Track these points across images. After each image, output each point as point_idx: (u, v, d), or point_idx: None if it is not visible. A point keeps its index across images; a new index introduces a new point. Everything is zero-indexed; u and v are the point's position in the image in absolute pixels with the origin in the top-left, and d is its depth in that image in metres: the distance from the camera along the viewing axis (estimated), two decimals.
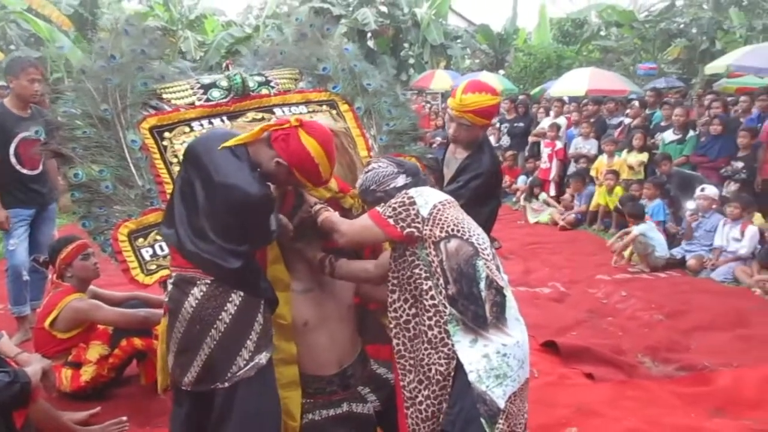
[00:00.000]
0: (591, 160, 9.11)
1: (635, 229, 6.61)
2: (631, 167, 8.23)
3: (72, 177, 2.93)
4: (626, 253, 6.72)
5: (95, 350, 3.53)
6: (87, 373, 3.47)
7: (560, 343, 4.27)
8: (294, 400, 2.54)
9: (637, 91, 12.83)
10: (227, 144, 2.24)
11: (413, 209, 2.28)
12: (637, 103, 9.39)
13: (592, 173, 8.84)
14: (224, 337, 2.25)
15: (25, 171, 4.35)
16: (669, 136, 8.19)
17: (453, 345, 2.21)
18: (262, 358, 2.31)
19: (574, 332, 4.68)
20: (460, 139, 3.07)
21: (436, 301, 2.24)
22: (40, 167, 4.43)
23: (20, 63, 4.44)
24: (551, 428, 3.13)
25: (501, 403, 2.15)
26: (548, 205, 9.38)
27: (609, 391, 3.70)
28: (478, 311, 2.20)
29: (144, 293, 3.80)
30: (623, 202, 7.38)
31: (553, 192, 9.61)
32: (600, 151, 9.05)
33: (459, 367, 2.20)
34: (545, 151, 9.90)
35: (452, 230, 2.26)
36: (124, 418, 3.22)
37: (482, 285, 2.22)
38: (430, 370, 2.26)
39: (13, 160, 4.29)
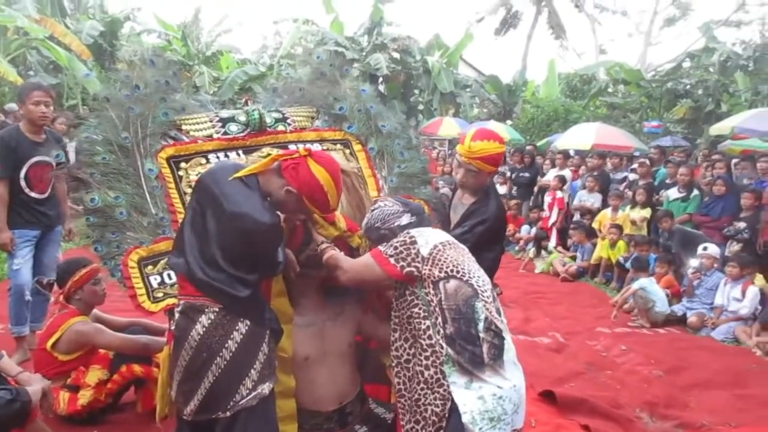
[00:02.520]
0: (594, 213, 9.18)
1: (635, 284, 6.63)
2: (633, 222, 8.28)
3: (89, 202, 3.01)
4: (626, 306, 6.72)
5: (94, 374, 3.53)
6: (84, 397, 3.46)
7: (558, 394, 4.24)
8: None
9: (641, 149, 12.97)
10: (238, 174, 2.31)
11: (414, 248, 2.32)
12: (647, 161, 9.50)
13: (595, 226, 8.90)
14: (229, 365, 2.28)
15: (33, 194, 4.40)
16: (673, 193, 8.27)
17: (448, 386, 2.22)
18: (265, 388, 2.33)
19: (572, 383, 4.66)
20: (468, 185, 3.13)
21: (433, 341, 2.26)
22: (48, 191, 4.48)
23: (26, 88, 4.54)
24: None
25: None
26: (553, 250, 9.41)
27: None
28: (475, 351, 2.22)
29: (146, 320, 3.82)
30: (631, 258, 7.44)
31: (553, 241, 9.66)
32: (604, 205, 9.13)
33: (454, 408, 2.21)
34: (546, 200, 9.99)
35: (451, 271, 2.30)
36: None
37: (480, 326, 2.24)
38: (426, 410, 2.27)
39: (22, 183, 4.35)
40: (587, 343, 5.76)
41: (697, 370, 5.08)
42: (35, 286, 4.50)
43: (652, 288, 6.55)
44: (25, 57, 16.08)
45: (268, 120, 3.37)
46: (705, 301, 6.58)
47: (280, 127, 3.41)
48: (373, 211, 2.62)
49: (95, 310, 3.85)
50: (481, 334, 2.23)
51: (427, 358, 2.27)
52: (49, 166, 4.32)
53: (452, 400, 2.21)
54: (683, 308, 6.67)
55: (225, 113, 3.38)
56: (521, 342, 5.65)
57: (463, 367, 2.22)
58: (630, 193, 8.82)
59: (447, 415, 2.23)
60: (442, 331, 2.24)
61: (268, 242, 2.29)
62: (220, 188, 2.28)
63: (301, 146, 3.37)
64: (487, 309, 2.28)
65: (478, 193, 3.13)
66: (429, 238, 2.37)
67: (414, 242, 2.34)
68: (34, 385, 2.82)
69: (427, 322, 2.28)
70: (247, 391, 2.30)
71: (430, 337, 2.26)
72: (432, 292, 2.28)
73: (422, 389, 2.29)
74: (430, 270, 2.29)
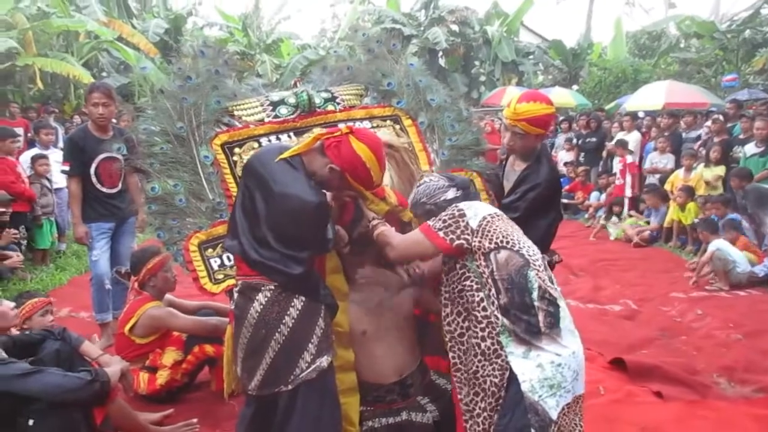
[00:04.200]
0: (667, 175, 8.83)
1: (711, 245, 6.35)
2: (708, 182, 7.92)
3: (149, 191, 3.13)
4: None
5: (170, 356, 3.72)
6: (162, 377, 3.66)
7: (628, 361, 4.14)
8: (353, 406, 2.61)
9: (718, 104, 12.33)
10: (283, 156, 2.36)
11: (463, 221, 2.31)
12: (721, 117, 9.01)
13: (668, 188, 8.56)
14: (287, 340, 2.36)
15: (104, 189, 4.63)
16: (751, 149, 7.83)
17: (506, 356, 2.21)
18: (324, 361, 2.40)
19: (645, 350, 4.54)
20: (515, 148, 3.08)
21: (488, 312, 2.25)
22: (119, 185, 4.71)
23: (88, 89, 4.77)
24: None
25: (553, 414, 2.14)
26: (629, 217, 9.12)
27: (678, 411, 3.56)
28: (531, 321, 2.20)
29: (215, 303, 3.99)
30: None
31: (626, 209, 9.36)
32: (677, 166, 8.77)
33: (512, 377, 2.20)
34: (617, 167, 9.67)
35: (501, 241, 2.28)
36: (195, 421, 3.37)
37: (535, 295, 2.22)
38: (485, 381, 2.28)
39: (93, 179, 4.59)
40: (661, 309, 5.58)
41: None
42: (114, 276, 4.75)
43: (727, 248, 6.26)
44: (97, 59, 16.83)
45: (317, 100, 3.39)
46: None
47: (330, 107, 3.43)
48: (418, 186, 2.62)
49: (168, 295, 4.04)
50: (536, 303, 2.21)
51: (483, 329, 2.27)
52: (117, 161, 4.53)
53: (510, 370, 2.20)
54: (765, 269, 6.34)
55: (275, 96, 3.42)
56: (590, 310, 5.56)
57: (519, 337, 2.20)
58: (704, 152, 8.43)
59: (506, 384, 2.22)
60: (496, 302, 2.24)
61: (316, 221, 2.33)
62: (267, 170, 2.34)
63: (351, 124, 3.42)
64: (540, 278, 2.25)
65: (528, 159, 3.07)
66: (477, 211, 2.35)
67: (463, 215, 2.33)
68: (113, 366, 3.01)
69: (481, 294, 2.27)
70: (306, 365, 2.37)
71: (484, 309, 2.26)
72: (483, 263, 2.27)
73: (479, 361, 2.29)
74: (480, 242, 2.28)
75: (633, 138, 9.83)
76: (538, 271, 2.27)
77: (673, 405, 3.67)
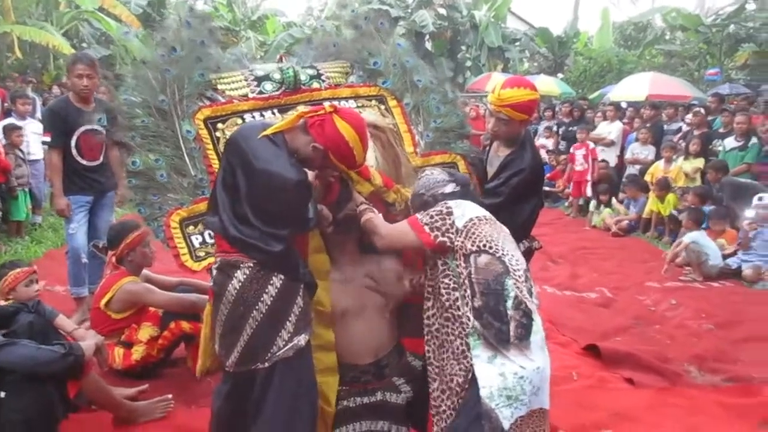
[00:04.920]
0: (648, 166, 8.91)
1: (687, 237, 6.45)
2: (687, 174, 8.01)
3: (130, 165, 3.08)
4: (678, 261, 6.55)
5: (146, 331, 3.70)
6: (137, 353, 3.64)
7: (602, 347, 4.21)
8: (331, 386, 2.61)
9: (700, 98, 12.46)
10: (266, 132, 2.34)
11: (449, 219, 2.32)
12: (702, 110, 9.09)
13: (648, 179, 8.65)
14: (265, 318, 2.35)
15: (84, 162, 4.57)
16: (730, 143, 7.94)
17: (471, 358, 2.23)
18: (301, 339, 2.39)
19: (619, 338, 4.61)
20: (500, 134, 3.07)
21: (460, 312, 2.27)
22: (101, 159, 4.64)
23: (70, 60, 4.68)
24: (587, 430, 3.11)
25: (506, 424, 2.15)
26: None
27: (649, 398, 3.64)
28: (502, 328, 2.21)
29: (193, 279, 3.95)
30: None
31: (589, 193, 9.46)
32: (657, 157, 8.86)
33: (474, 381, 2.22)
34: (579, 153, 9.72)
35: (484, 245, 2.29)
36: (170, 396, 3.35)
37: (509, 303, 2.23)
38: (451, 380, 2.30)
39: (74, 151, 4.52)
40: (636, 298, 5.67)
41: (750, 323, 4.95)
42: (91, 250, 4.70)
43: (704, 241, 6.37)
44: (77, 29, 16.50)
45: (302, 77, 3.34)
46: (761, 253, 6.35)
47: (315, 85, 3.39)
48: (419, 179, 2.63)
49: (145, 271, 4.00)
50: (510, 312, 2.22)
51: (454, 329, 2.29)
52: (98, 134, 4.46)
53: (473, 373, 2.22)
54: (738, 261, 6.46)
55: (259, 71, 3.37)
56: (567, 298, 5.63)
57: (488, 342, 2.22)
58: (684, 144, 8.52)
59: (468, 386, 2.25)
60: (470, 304, 2.25)
61: (296, 199, 2.32)
62: (249, 147, 2.32)
63: (335, 103, 3.39)
64: (518, 288, 2.25)
65: (512, 144, 3.07)
66: (465, 211, 2.36)
67: (450, 213, 2.34)
68: (88, 340, 2.99)
69: (456, 294, 2.29)
70: (284, 343, 2.36)
71: (458, 309, 2.28)
72: (462, 264, 2.28)
73: (448, 359, 2.32)
74: (462, 242, 2.29)
75: (615, 128, 9.90)
76: (517, 281, 2.27)
77: (645, 392, 3.74)
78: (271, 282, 2.35)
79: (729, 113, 8.40)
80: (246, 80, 3.30)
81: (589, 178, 9.53)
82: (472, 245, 2.28)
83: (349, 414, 2.65)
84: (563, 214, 10.02)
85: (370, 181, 2.69)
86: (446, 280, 2.32)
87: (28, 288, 3.50)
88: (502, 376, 2.18)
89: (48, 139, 4.58)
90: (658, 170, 8.50)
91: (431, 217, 2.35)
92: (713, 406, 3.57)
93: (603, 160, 9.66)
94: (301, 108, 3.27)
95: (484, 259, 2.27)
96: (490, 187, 3.04)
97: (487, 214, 2.44)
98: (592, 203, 9.39)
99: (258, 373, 2.39)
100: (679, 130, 9.37)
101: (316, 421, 2.49)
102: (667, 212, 7.96)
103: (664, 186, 8.00)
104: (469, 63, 21.38)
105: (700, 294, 5.86)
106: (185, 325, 3.67)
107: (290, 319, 2.37)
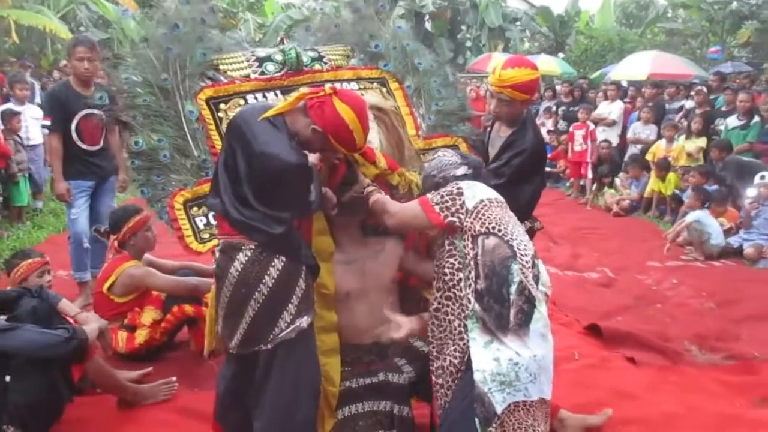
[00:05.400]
0: (649, 145, 8.88)
1: (689, 216, 6.44)
2: (689, 154, 7.98)
3: (133, 145, 3.06)
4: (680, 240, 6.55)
5: (149, 315, 3.71)
6: (141, 336, 3.66)
7: (603, 327, 4.23)
8: (334, 367, 2.63)
9: (702, 76, 12.38)
10: (266, 115, 2.33)
11: (460, 199, 2.32)
12: (704, 89, 9.02)
13: (649, 158, 8.62)
14: (267, 299, 2.35)
15: (84, 146, 4.56)
16: (732, 122, 7.90)
17: (468, 341, 2.24)
18: (303, 321, 2.40)
19: (620, 317, 4.63)
20: (501, 115, 3.06)
21: (462, 294, 2.27)
22: (101, 143, 4.63)
23: (71, 44, 4.65)
24: (586, 408, 3.12)
25: (498, 409, 2.16)
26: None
27: (650, 376, 3.65)
28: (502, 312, 2.21)
29: (195, 263, 3.98)
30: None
31: (589, 174, 9.43)
32: (659, 137, 8.82)
33: (470, 362, 2.23)
34: (578, 133, 9.65)
35: (493, 228, 2.28)
36: (174, 379, 3.37)
37: (513, 288, 2.22)
38: (446, 360, 2.32)
39: (74, 135, 4.51)
40: (637, 278, 5.68)
41: (751, 302, 4.95)
42: (93, 234, 4.70)
43: (706, 220, 6.35)
44: (74, 13, 16.39)
45: (304, 59, 3.32)
46: (763, 232, 6.35)
47: (317, 66, 3.37)
48: (432, 160, 2.63)
49: (147, 255, 4.01)
50: (512, 296, 2.22)
51: (454, 309, 2.30)
52: (98, 118, 4.44)
53: (468, 356, 2.23)
54: (740, 240, 6.46)
55: (261, 52, 3.35)
56: (569, 278, 5.64)
57: (486, 326, 2.22)
58: (685, 123, 8.48)
59: (464, 368, 2.26)
60: (473, 286, 2.24)
61: (296, 181, 2.31)
62: (249, 129, 2.30)
63: (338, 86, 3.37)
64: (523, 273, 2.25)
65: (514, 125, 3.05)
66: (476, 192, 2.35)
67: (461, 193, 2.33)
68: (91, 324, 2.99)
69: (460, 275, 2.29)
70: (286, 324, 2.37)
71: (460, 290, 2.28)
72: (470, 245, 2.27)
73: (446, 338, 2.32)
74: (471, 223, 2.28)
75: (616, 107, 9.85)
76: (524, 266, 2.26)
77: (645, 370, 3.76)
78: (273, 264, 2.35)
79: (731, 91, 8.35)
80: (248, 61, 3.28)
81: (588, 159, 9.49)
82: (481, 227, 2.27)
83: (352, 395, 2.67)
84: (564, 194, 10.01)
85: (376, 164, 2.69)
86: (451, 260, 2.32)
87: (40, 279, 3.53)
88: (497, 361, 2.18)
89: (48, 123, 4.56)
90: (659, 149, 8.47)
91: (442, 197, 2.35)
92: (713, 384, 3.59)
93: (605, 140, 9.60)
94: (304, 89, 3.28)
95: (492, 241, 2.26)
96: (492, 168, 3.03)
97: (499, 197, 2.43)
98: (594, 185, 9.36)
99: (261, 355, 2.41)
100: (681, 109, 9.33)
101: (318, 401, 2.51)
102: (668, 192, 7.95)
103: (665, 166, 7.98)
104: (469, 43, 21.26)
105: (702, 273, 5.87)
106: (188, 309, 3.69)
107: (292, 300, 2.38)
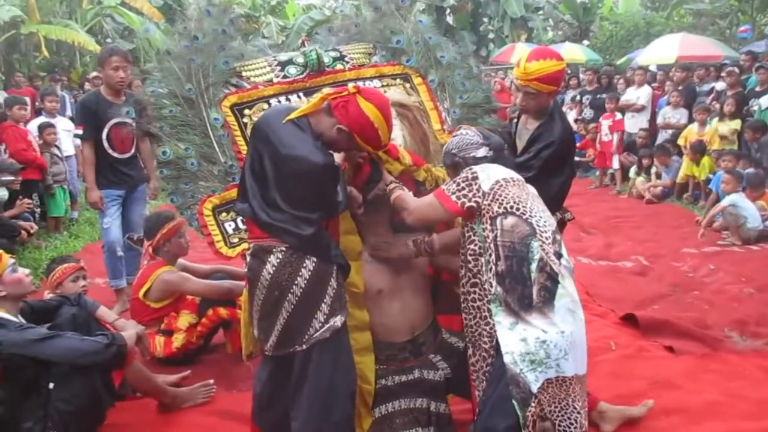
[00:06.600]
0: (681, 130, 8.70)
1: (725, 200, 6.30)
2: (723, 137, 7.80)
3: (161, 155, 3.12)
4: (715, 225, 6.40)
5: (185, 319, 3.77)
6: (178, 340, 3.71)
7: (640, 316, 4.16)
8: (368, 365, 2.64)
9: (732, 57, 12.08)
10: (290, 117, 2.34)
11: (475, 184, 2.31)
12: (736, 69, 8.80)
13: (681, 143, 8.45)
14: (300, 301, 2.37)
15: (115, 155, 4.63)
16: (766, 101, 7.70)
17: (494, 325, 2.24)
18: (337, 321, 2.42)
19: (656, 306, 4.56)
20: (529, 108, 3.03)
21: (484, 279, 2.27)
22: (132, 151, 4.71)
23: (105, 53, 4.73)
24: (627, 400, 3.08)
25: (534, 387, 2.15)
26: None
27: (690, 365, 3.60)
28: (525, 292, 2.20)
29: (228, 266, 4.02)
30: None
31: (616, 165, 9.29)
32: (690, 121, 8.64)
33: (499, 347, 2.23)
34: (605, 123, 9.51)
35: (511, 207, 2.27)
36: (211, 381, 3.41)
37: (533, 266, 2.21)
38: (481, 344, 2.33)
39: (105, 144, 4.59)
40: (672, 265, 5.58)
41: None
42: (126, 243, 4.79)
43: (743, 203, 6.21)
44: (101, 25, 16.68)
45: (326, 60, 3.34)
46: None
47: (339, 66, 3.38)
48: (454, 136, 2.61)
49: (181, 260, 4.07)
50: (533, 275, 2.20)
51: (479, 295, 2.31)
52: (128, 126, 4.51)
53: (497, 339, 2.23)
54: None
55: (283, 56, 3.38)
56: (602, 267, 5.57)
57: (509, 308, 2.21)
58: (717, 106, 8.29)
59: (493, 353, 2.27)
60: (494, 269, 2.24)
61: (324, 182, 2.33)
62: (274, 132, 2.32)
63: (360, 84, 3.38)
64: (544, 250, 2.23)
65: (541, 116, 3.01)
66: (491, 174, 2.34)
67: (476, 178, 2.32)
68: (129, 330, 3.05)
69: (481, 260, 2.29)
70: (320, 324, 2.39)
71: (482, 275, 2.28)
72: (489, 227, 2.27)
73: (477, 324, 2.34)
74: (489, 205, 2.28)
75: (644, 92, 9.67)
76: (544, 242, 2.25)
77: (685, 359, 3.70)
78: (305, 265, 2.36)
79: (765, 70, 8.12)
80: (270, 66, 3.31)
81: (613, 150, 9.34)
82: (499, 207, 2.27)
83: (388, 393, 2.68)
84: (593, 182, 9.90)
85: (400, 161, 2.69)
86: (472, 246, 2.32)
87: (75, 283, 3.60)
88: (524, 342, 2.17)
89: (80, 131, 4.65)
90: (691, 134, 8.29)
91: (457, 184, 2.34)
92: (755, 370, 3.53)
93: (641, 129, 9.42)
94: (326, 90, 3.29)
95: (510, 220, 2.25)
96: (520, 161, 2.99)
97: (515, 175, 2.41)
98: (633, 169, 9.15)
99: (296, 356, 2.43)
100: (712, 90, 9.12)
101: (354, 400, 2.52)
102: (702, 176, 7.79)
103: (699, 149, 7.81)
104: (491, 35, 21.06)
105: (740, 258, 5.75)
106: (223, 312, 3.74)
107: (325, 300, 2.39)
